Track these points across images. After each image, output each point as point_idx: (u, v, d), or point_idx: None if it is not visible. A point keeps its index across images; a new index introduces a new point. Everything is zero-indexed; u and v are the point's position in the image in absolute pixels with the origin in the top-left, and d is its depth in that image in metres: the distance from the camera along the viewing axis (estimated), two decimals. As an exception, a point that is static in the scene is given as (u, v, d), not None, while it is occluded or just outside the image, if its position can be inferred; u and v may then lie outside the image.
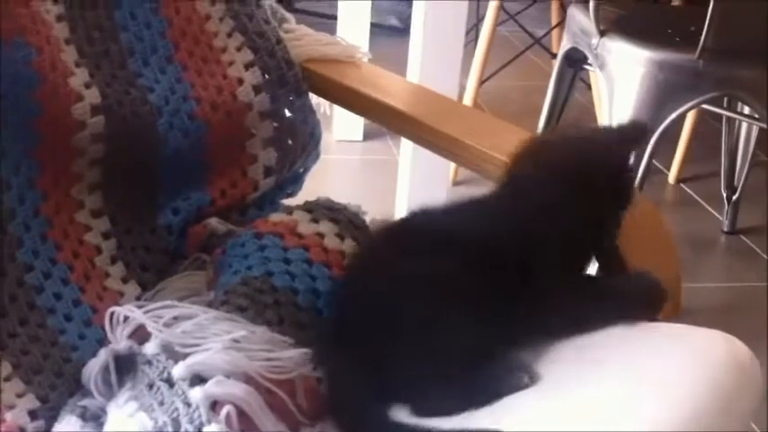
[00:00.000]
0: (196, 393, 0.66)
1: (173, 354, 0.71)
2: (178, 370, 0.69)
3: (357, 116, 2.62)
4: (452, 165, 2.38)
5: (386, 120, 1.05)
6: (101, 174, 0.96)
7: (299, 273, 0.85)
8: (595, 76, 2.18)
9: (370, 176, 2.49)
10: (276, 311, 0.81)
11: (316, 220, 0.93)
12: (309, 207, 0.95)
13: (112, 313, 0.74)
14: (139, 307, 0.76)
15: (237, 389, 0.67)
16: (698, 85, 1.74)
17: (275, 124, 1.06)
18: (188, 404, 0.67)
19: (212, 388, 0.67)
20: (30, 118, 0.90)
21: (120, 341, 0.73)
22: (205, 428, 0.64)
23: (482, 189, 2.42)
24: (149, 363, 0.71)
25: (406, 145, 2.34)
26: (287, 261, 0.87)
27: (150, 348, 0.71)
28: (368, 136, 2.63)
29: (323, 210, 0.95)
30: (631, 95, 1.76)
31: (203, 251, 0.98)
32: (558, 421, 0.69)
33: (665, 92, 1.76)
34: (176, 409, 0.66)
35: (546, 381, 0.75)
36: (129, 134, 0.96)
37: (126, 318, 0.74)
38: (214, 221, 0.99)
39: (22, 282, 0.88)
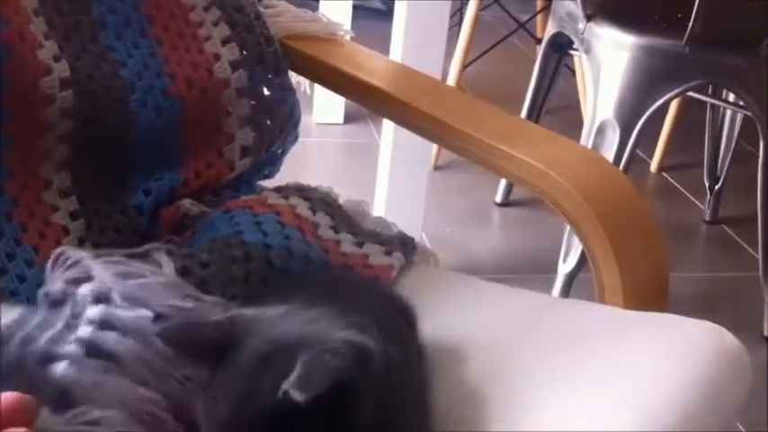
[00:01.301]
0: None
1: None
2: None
3: (338, 98, 2.60)
4: (434, 149, 2.36)
5: (368, 100, 1.02)
6: (69, 151, 0.92)
7: (271, 231, 0.84)
8: (580, 61, 2.16)
9: (351, 160, 2.46)
10: (244, 265, 0.79)
11: (286, 197, 0.93)
12: (278, 188, 0.95)
13: (60, 254, 0.69)
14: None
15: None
16: (684, 72, 1.73)
17: (253, 102, 1.02)
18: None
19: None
20: (-1, 92, 0.86)
21: (55, 282, 0.69)
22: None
23: (463, 174, 2.40)
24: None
25: (388, 128, 2.31)
26: (258, 223, 0.85)
27: (83, 290, 0.66)
28: (348, 119, 2.60)
29: (293, 189, 0.95)
30: (617, 81, 1.74)
31: (175, 233, 0.94)
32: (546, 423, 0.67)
33: (651, 78, 1.74)
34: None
35: (536, 381, 0.73)
36: (99, 110, 0.92)
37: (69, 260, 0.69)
38: (187, 203, 0.95)
39: (-16, 264, 0.84)
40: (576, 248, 1.81)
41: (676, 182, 2.50)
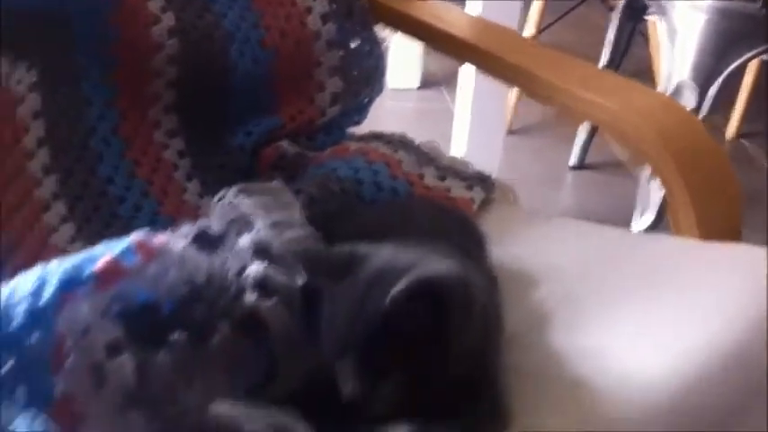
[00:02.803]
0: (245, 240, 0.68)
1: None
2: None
3: (413, 64, 2.66)
4: (509, 114, 2.40)
5: (454, 51, 1.07)
6: (176, 95, 1.00)
7: (361, 167, 0.89)
8: (654, 28, 2.16)
9: (425, 125, 2.51)
10: (340, 199, 0.85)
11: (367, 142, 1.01)
12: (359, 137, 1.04)
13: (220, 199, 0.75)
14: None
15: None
16: (760, 35, 1.73)
17: (341, 53, 1.08)
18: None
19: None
20: (108, 42, 0.94)
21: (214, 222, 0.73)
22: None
23: (537, 138, 2.43)
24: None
25: (465, 92, 2.36)
26: (347, 161, 0.93)
27: (244, 241, 0.70)
28: (423, 84, 2.65)
29: (371, 137, 1.04)
30: (693, 43, 1.76)
31: (274, 171, 1.01)
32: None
33: (726, 40, 1.75)
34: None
35: (609, 305, 0.77)
36: (202, 58, 0.99)
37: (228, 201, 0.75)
38: (285, 144, 1.03)
39: (105, 192, 0.92)
40: (649, 212, 1.84)
41: (752, 148, 2.48)
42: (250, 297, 0.66)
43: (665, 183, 0.90)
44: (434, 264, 0.61)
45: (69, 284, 0.52)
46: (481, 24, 1.13)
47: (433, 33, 1.08)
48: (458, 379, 0.60)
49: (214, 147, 1.02)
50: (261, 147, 1.03)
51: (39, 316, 0.52)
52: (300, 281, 0.70)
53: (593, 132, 2.30)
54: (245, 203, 0.75)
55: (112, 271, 0.54)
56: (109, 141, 0.95)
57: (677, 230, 0.91)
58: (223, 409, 0.56)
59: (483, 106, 2.37)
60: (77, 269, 0.53)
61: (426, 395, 0.59)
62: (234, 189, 0.77)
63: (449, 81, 2.73)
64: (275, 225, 0.75)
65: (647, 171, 1.83)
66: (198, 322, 0.62)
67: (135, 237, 0.58)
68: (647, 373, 0.66)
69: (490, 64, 1.02)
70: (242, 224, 0.75)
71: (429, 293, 0.59)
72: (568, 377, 0.67)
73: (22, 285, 0.53)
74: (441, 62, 2.82)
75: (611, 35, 2.12)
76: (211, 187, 1.00)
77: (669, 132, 0.88)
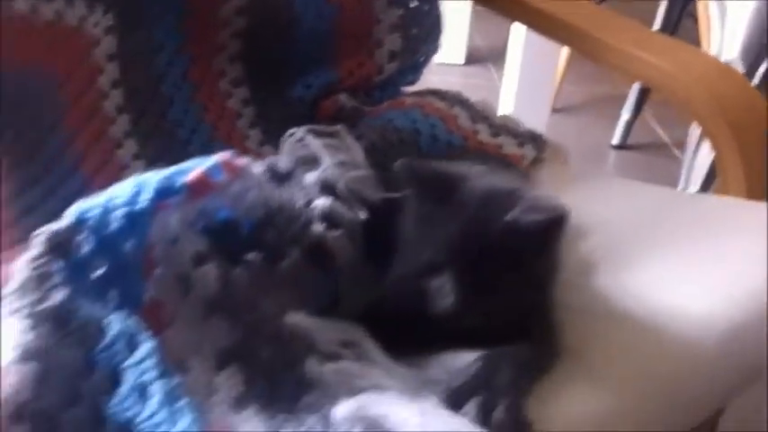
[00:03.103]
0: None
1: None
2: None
3: (460, 39, 2.67)
4: (553, 92, 2.41)
5: (510, 11, 1.10)
6: (241, 46, 1.03)
7: (418, 118, 0.93)
8: (704, 7, 2.16)
9: (470, 100, 2.53)
10: (399, 148, 0.88)
11: (423, 96, 1.05)
12: (415, 92, 1.08)
13: (292, 133, 0.80)
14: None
15: None
16: (813, 15, 1.72)
17: (401, 12, 1.11)
18: None
19: None
20: (180, -11, 0.98)
21: (283, 158, 0.77)
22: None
23: (580, 116, 2.43)
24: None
25: (512, 68, 2.38)
26: (404, 112, 0.96)
27: (311, 177, 0.75)
28: (470, 60, 2.67)
29: (427, 92, 1.08)
30: (743, 21, 1.76)
31: (332, 123, 1.04)
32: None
33: (778, 20, 1.74)
34: None
35: (649, 256, 0.80)
36: (268, 10, 1.03)
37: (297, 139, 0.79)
38: (343, 97, 1.06)
39: (174, 134, 0.96)
40: (693, 186, 1.85)
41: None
42: (318, 227, 0.70)
43: (715, 144, 0.92)
44: (537, 193, 0.67)
45: (163, 193, 0.56)
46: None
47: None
48: (527, 304, 0.64)
49: (276, 97, 1.05)
50: (320, 99, 1.07)
51: (135, 222, 0.55)
52: (363, 216, 0.74)
53: (636, 112, 2.31)
54: (314, 143, 0.79)
55: (202, 184, 0.58)
56: (179, 86, 0.99)
57: (725, 191, 0.93)
58: (297, 319, 0.60)
59: (529, 83, 2.39)
60: (171, 179, 0.57)
61: (503, 316, 0.62)
62: (303, 129, 0.80)
63: (495, 58, 2.75)
64: (341, 164, 0.79)
65: (691, 146, 1.83)
66: (270, 246, 0.66)
67: (221, 155, 0.62)
68: (695, 313, 0.69)
69: (544, 24, 1.04)
70: (309, 162, 0.79)
71: (548, 221, 0.64)
72: (615, 313, 0.70)
73: (120, 192, 0.57)
74: (486, 38, 2.84)
75: (660, 16, 2.13)
76: (272, 136, 1.04)
77: (722, 94, 0.90)
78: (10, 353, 0.46)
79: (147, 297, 0.58)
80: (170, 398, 0.51)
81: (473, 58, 2.67)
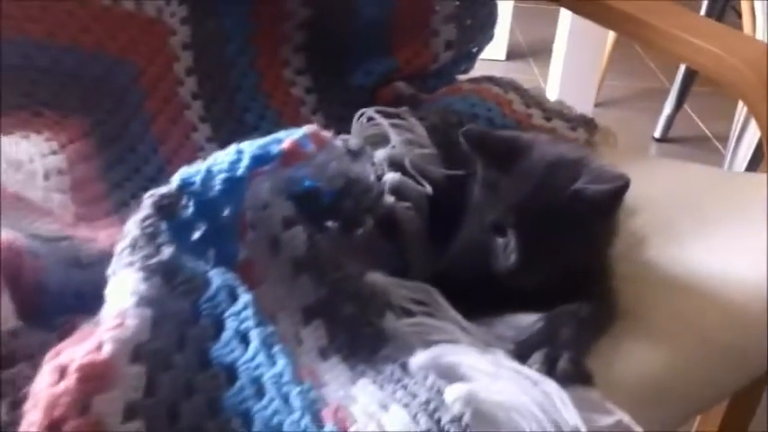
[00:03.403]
0: None
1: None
2: None
3: (501, 35, 2.71)
4: (596, 86, 2.45)
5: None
6: (305, 36, 1.09)
7: (476, 102, 0.98)
8: (748, 2, 2.18)
9: (512, 95, 2.56)
10: (458, 130, 0.93)
11: (479, 83, 1.09)
12: (471, 79, 1.12)
13: (362, 113, 0.85)
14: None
15: None
16: None
17: (457, 3, 1.16)
18: None
19: None
20: (250, -17, 1.04)
21: (353, 137, 0.83)
22: None
23: (622, 110, 2.46)
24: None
25: (556, 63, 2.42)
26: (462, 97, 1.01)
27: (380, 154, 0.80)
28: (511, 56, 2.71)
29: (483, 79, 1.12)
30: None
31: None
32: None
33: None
34: None
35: (702, 229, 0.84)
36: (331, 2, 1.08)
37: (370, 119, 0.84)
38: (401, 85, 1.11)
39: (242, 120, 1.02)
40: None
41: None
42: (389, 199, 0.76)
43: (761, 125, 0.96)
44: (601, 162, 0.71)
45: (259, 160, 0.62)
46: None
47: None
48: (587, 267, 0.69)
49: (337, 85, 1.11)
50: (379, 87, 1.12)
51: (233, 187, 0.61)
52: (428, 190, 0.79)
53: (678, 106, 2.34)
54: (383, 122, 0.84)
55: (295, 152, 0.63)
56: (246, 74, 1.05)
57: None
58: (376, 278, 0.65)
59: (573, 77, 2.44)
60: (266, 148, 0.63)
61: (563, 278, 0.67)
62: (371, 109, 0.86)
63: (535, 53, 2.79)
64: (407, 143, 0.84)
65: (734, 136, 1.86)
66: (347, 214, 0.71)
67: (309, 127, 0.67)
68: (744, 279, 0.73)
69: (594, 10, 1.08)
70: (378, 140, 0.84)
71: (613, 190, 0.67)
72: (668, 280, 0.75)
73: (222, 159, 0.62)
74: (527, 35, 2.87)
75: (703, 11, 2.15)
76: (334, 121, 1.09)
77: (768, 76, 0.93)
78: (128, 299, 0.52)
79: (242, 257, 0.63)
80: (266, 344, 0.56)
81: (514, 54, 2.71)
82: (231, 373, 0.56)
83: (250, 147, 0.63)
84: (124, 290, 0.53)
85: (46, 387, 0.46)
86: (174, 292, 0.57)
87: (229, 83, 1.04)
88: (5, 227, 0.56)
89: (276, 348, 0.56)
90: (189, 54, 1.00)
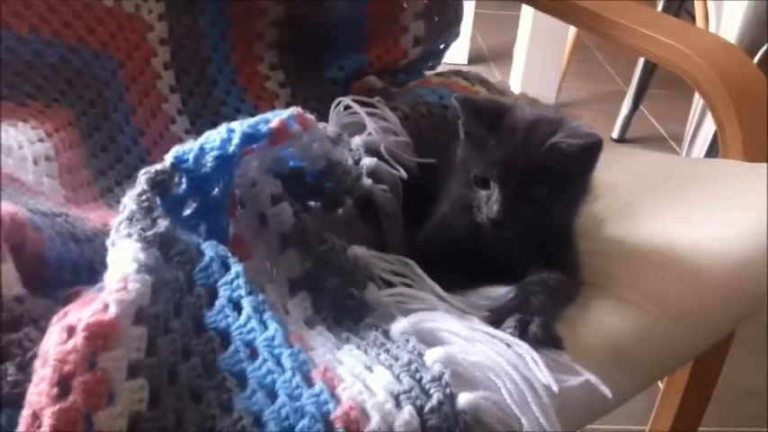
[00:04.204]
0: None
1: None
2: None
3: (463, 40, 2.77)
4: (555, 89, 2.51)
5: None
6: (278, 33, 1.12)
7: (445, 94, 1.02)
8: (700, 5, 2.26)
9: (474, 97, 2.62)
10: (428, 120, 0.97)
11: (447, 77, 1.14)
12: (438, 73, 1.16)
13: (339, 102, 0.88)
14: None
15: None
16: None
17: (426, 0, 1.20)
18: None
19: None
20: (226, -20, 1.07)
21: (331, 124, 0.87)
22: None
23: (581, 110, 2.52)
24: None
25: (517, 68, 2.48)
26: (432, 89, 1.05)
27: (357, 140, 0.85)
28: (472, 60, 2.76)
29: (450, 72, 1.16)
30: (738, 16, 1.85)
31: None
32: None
33: (771, 13, 1.83)
34: None
35: (660, 209, 0.88)
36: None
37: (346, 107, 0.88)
38: (372, 78, 1.15)
39: (219, 112, 1.05)
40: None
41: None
42: (366, 181, 0.79)
43: (717, 117, 1.01)
44: (578, 122, 0.75)
45: (249, 139, 0.65)
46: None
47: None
48: (558, 231, 0.73)
49: (310, 79, 1.14)
50: (351, 81, 1.16)
51: (224, 165, 0.64)
52: (404, 175, 0.83)
53: (635, 107, 2.40)
54: (359, 110, 0.88)
55: (282, 130, 0.66)
56: (222, 69, 1.08)
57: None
58: (358, 251, 0.68)
59: (534, 79, 2.50)
60: (256, 127, 0.66)
61: (539, 229, 0.72)
62: (348, 98, 0.89)
63: (496, 57, 2.85)
64: (383, 130, 0.88)
65: (690, 131, 1.93)
66: (328, 194, 0.75)
67: (294, 109, 0.70)
68: (704, 247, 0.78)
69: (558, 7, 1.13)
70: (355, 128, 0.88)
71: (585, 145, 0.72)
72: (630, 251, 0.80)
73: (213, 136, 0.65)
74: (487, 39, 2.94)
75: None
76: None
77: (726, 70, 0.99)
78: (130, 265, 0.55)
79: (231, 232, 0.66)
80: (258, 310, 0.59)
81: (476, 59, 2.76)
82: (225, 337, 0.59)
83: (240, 125, 0.66)
84: (125, 257, 0.55)
85: (55, 345, 0.49)
86: (169, 262, 0.60)
87: (206, 77, 1.07)
88: (6, 200, 0.58)
89: (267, 315, 0.60)
90: (166, 49, 1.03)
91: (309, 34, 1.14)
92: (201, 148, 0.64)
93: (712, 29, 1.96)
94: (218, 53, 1.08)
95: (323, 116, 1.11)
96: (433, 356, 0.60)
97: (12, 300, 0.53)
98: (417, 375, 0.58)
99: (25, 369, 0.51)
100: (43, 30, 0.91)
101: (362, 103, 0.92)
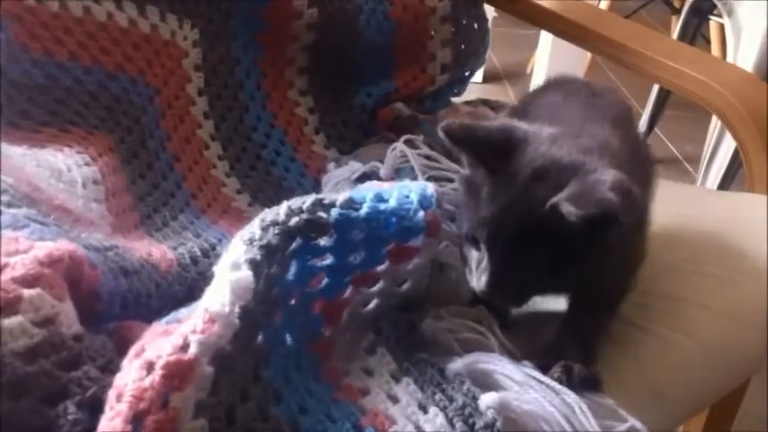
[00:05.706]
0: None
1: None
2: None
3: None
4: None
5: (551, 25, 1.20)
6: (309, 59, 1.14)
7: None
8: (716, 29, 2.27)
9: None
10: None
11: (475, 106, 1.17)
12: (467, 102, 1.21)
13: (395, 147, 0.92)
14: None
15: None
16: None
17: (453, 29, 1.21)
18: None
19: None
20: (259, 7, 1.08)
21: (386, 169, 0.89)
22: None
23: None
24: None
25: (534, 86, 2.47)
26: None
27: (385, 170, 0.86)
28: (487, 79, 2.78)
29: (478, 102, 1.21)
30: (757, 41, 1.86)
31: (389, 130, 1.15)
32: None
33: (789, 39, 1.84)
34: None
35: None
36: (335, 26, 1.13)
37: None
38: (400, 105, 1.16)
39: (250, 138, 1.07)
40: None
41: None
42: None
43: (742, 147, 1.02)
44: (600, 176, 0.60)
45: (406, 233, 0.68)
46: (572, 4, 1.24)
47: (529, 7, 1.20)
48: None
49: (339, 105, 1.16)
50: (378, 107, 1.17)
51: (373, 245, 0.67)
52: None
53: (650, 128, 2.41)
54: (413, 156, 0.89)
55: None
56: (253, 95, 1.09)
57: (751, 190, 1.03)
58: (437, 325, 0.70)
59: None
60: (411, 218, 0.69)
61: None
62: (402, 141, 0.91)
63: (510, 76, 2.87)
64: (435, 179, 0.89)
65: (707, 154, 1.93)
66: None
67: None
68: (739, 290, 0.78)
69: (583, 36, 1.14)
70: (407, 173, 0.89)
71: (589, 216, 0.58)
72: (665, 293, 0.80)
73: (380, 210, 0.67)
74: (503, 58, 2.95)
75: (675, 36, 2.23)
76: (335, 140, 1.14)
77: (750, 101, 1.00)
78: (226, 305, 0.54)
79: (326, 334, 0.67)
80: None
81: (490, 77, 2.78)
82: (278, 395, 0.60)
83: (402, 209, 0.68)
84: (224, 293, 0.55)
85: (133, 381, 0.49)
86: (259, 306, 0.59)
87: (238, 103, 1.08)
88: (62, 236, 0.59)
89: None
90: (200, 75, 1.04)
91: (339, 60, 1.16)
92: (356, 215, 0.65)
93: (730, 54, 1.97)
94: (250, 79, 1.10)
95: (350, 142, 1.14)
96: (487, 401, 0.61)
97: (71, 338, 0.54)
98: (470, 421, 0.60)
99: (85, 408, 0.52)
100: (83, 57, 0.92)
101: (413, 144, 0.93)
